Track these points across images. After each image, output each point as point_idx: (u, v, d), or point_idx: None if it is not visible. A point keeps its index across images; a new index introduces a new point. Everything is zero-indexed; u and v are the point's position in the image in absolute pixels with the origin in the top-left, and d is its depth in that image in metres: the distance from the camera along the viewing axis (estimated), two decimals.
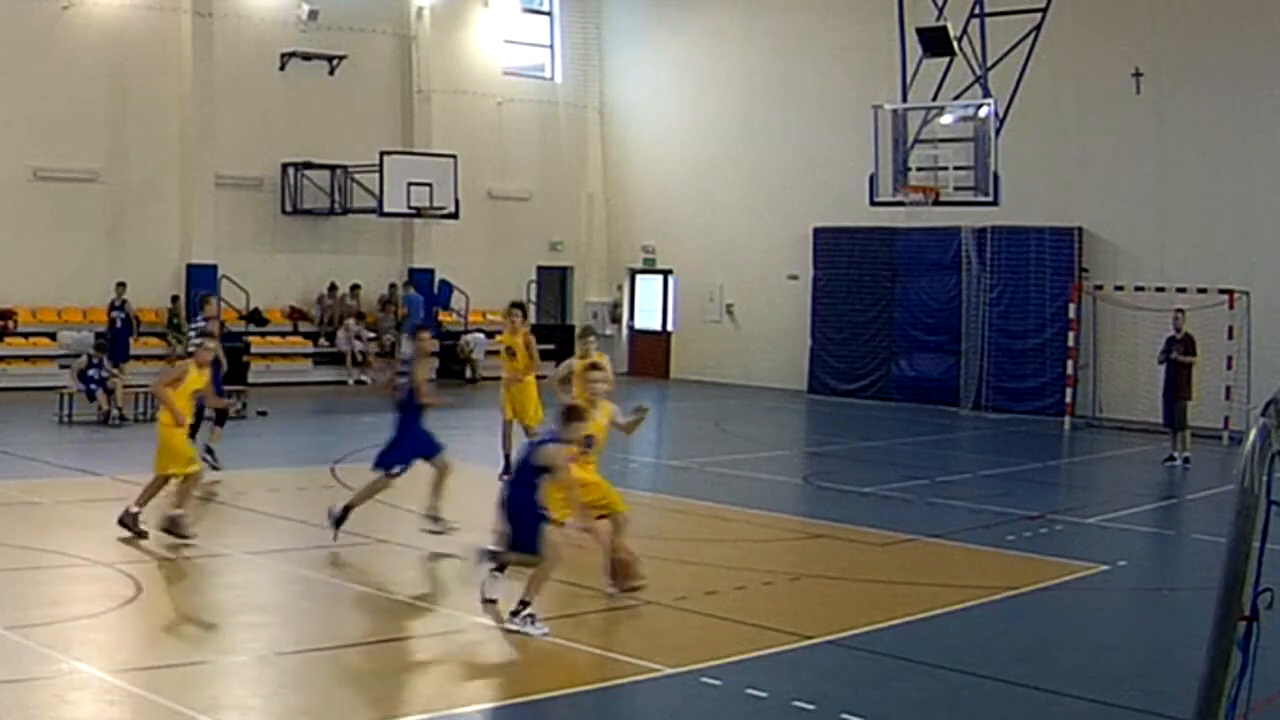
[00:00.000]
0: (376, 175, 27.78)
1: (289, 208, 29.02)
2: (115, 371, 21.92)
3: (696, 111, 32.11)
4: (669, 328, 33.37)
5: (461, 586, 10.51)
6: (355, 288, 29.63)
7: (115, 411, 20.96)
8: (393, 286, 30.10)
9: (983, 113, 21.50)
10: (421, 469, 12.88)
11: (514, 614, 9.37)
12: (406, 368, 13.25)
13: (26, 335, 25.67)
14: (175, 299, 27.21)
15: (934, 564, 12.90)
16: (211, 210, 27.88)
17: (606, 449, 19.16)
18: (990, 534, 14.08)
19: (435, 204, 28.19)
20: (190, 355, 13.01)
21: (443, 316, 31.18)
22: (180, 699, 7.69)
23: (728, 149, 31.32)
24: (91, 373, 21.44)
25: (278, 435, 21.11)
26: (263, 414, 22.64)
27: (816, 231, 29.55)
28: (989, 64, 21.65)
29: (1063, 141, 25.67)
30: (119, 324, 25.29)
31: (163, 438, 12.39)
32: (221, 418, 17.18)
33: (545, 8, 33.83)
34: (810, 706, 8.01)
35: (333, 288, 29.36)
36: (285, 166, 28.81)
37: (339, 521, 12.31)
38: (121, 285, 25.47)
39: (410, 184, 27.87)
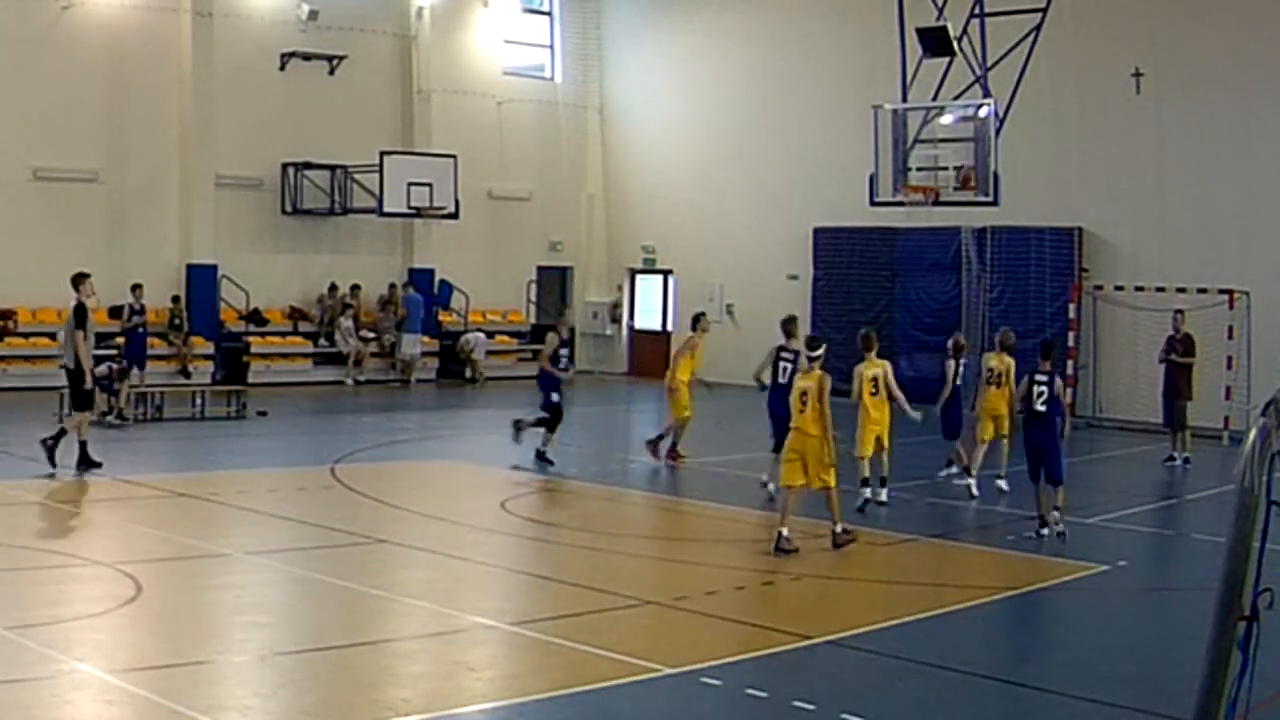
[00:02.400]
0: (376, 175, 27.77)
1: (289, 208, 29.01)
2: (137, 377, 21.73)
3: (696, 111, 32.11)
4: (669, 328, 33.34)
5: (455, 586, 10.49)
6: (355, 288, 29.62)
7: (117, 412, 20.95)
8: (392, 286, 30.11)
9: (983, 113, 21.49)
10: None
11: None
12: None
13: (26, 335, 25.66)
14: (176, 299, 27.18)
15: (934, 564, 12.91)
16: (211, 210, 27.87)
17: (607, 447, 19.22)
18: (990, 534, 14.09)
19: (435, 204, 28.19)
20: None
21: (443, 316, 31.19)
22: (180, 699, 7.69)
23: (728, 149, 31.32)
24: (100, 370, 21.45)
25: (278, 435, 21.11)
26: (262, 414, 22.64)
27: (816, 231, 29.55)
28: (989, 64, 21.65)
29: (1063, 141, 25.66)
30: (141, 329, 24.98)
31: (824, 448, 12.50)
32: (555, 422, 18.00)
33: (545, 8, 33.83)
34: (810, 706, 8.01)
35: (333, 288, 29.36)
36: (285, 166, 28.81)
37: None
38: (138, 287, 25.24)
39: (410, 184, 27.86)
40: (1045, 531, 13.46)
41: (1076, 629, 10.63)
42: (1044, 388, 13.57)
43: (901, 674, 9.03)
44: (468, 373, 30.28)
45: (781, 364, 15.45)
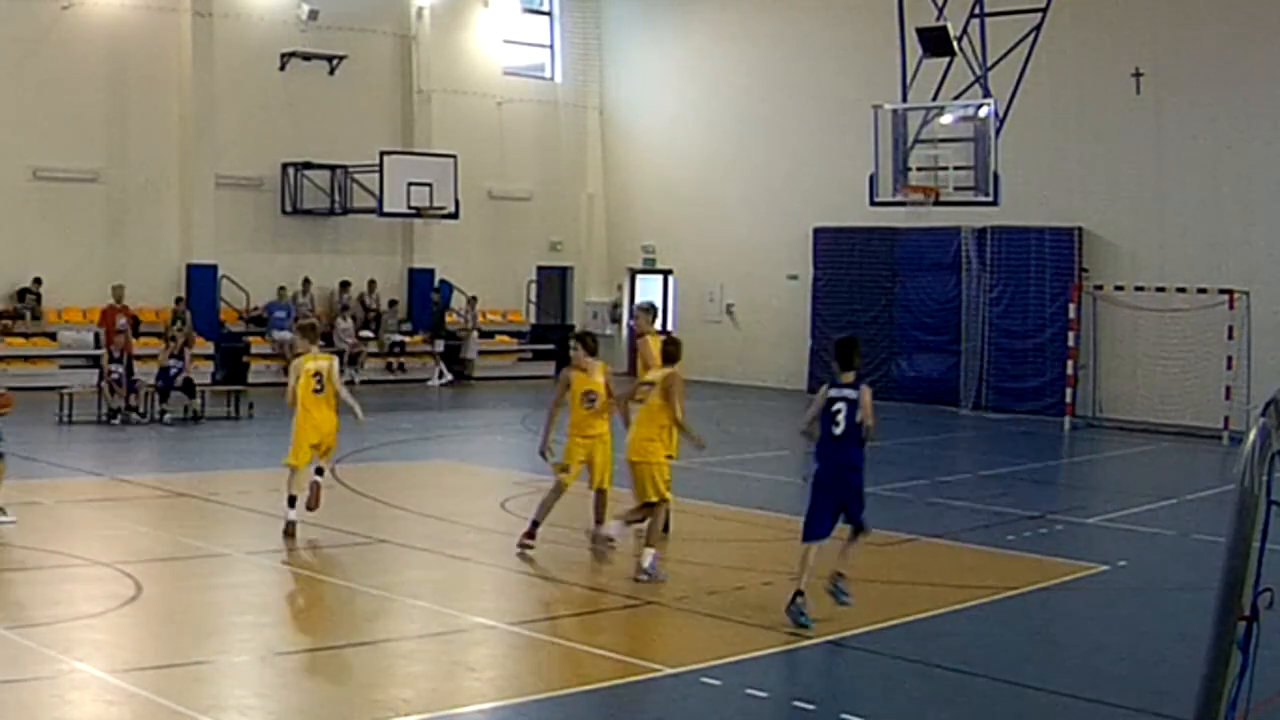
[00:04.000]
0: (376, 175, 27.77)
1: (289, 208, 29.02)
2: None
3: (696, 111, 32.11)
4: (669, 328, 33.34)
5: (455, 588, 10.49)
6: (345, 284, 29.60)
7: (124, 410, 21.07)
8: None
9: (983, 113, 21.50)
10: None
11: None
12: None
13: (27, 335, 25.67)
14: (179, 300, 27.11)
15: (934, 564, 12.90)
16: (211, 210, 27.87)
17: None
18: (990, 534, 14.08)
19: (435, 204, 28.19)
20: None
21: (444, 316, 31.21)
22: (180, 699, 7.69)
23: (727, 148, 31.32)
24: (113, 368, 21.61)
25: (278, 435, 21.04)
26: (250, 406, 22.63)
27: (816, 231, 29.55)
28: (989, 64, 21.65)
29: (1063, 141, 25.66)
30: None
31: None
32: None
33: (545, 8, 33.83)
34: (810, 706, 8.01)
35: (345, 284, 29.50)
36: (285, 166, 28.81)
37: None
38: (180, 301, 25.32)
39: (410, 184, 27.86)
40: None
41: (1076, 629, 10.63)
42: (842, 404, 10.03)
43: (901, 674, 9.03)
44: (466, 373, 30.34)
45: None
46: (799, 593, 9.78)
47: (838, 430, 10.00)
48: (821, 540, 10.02)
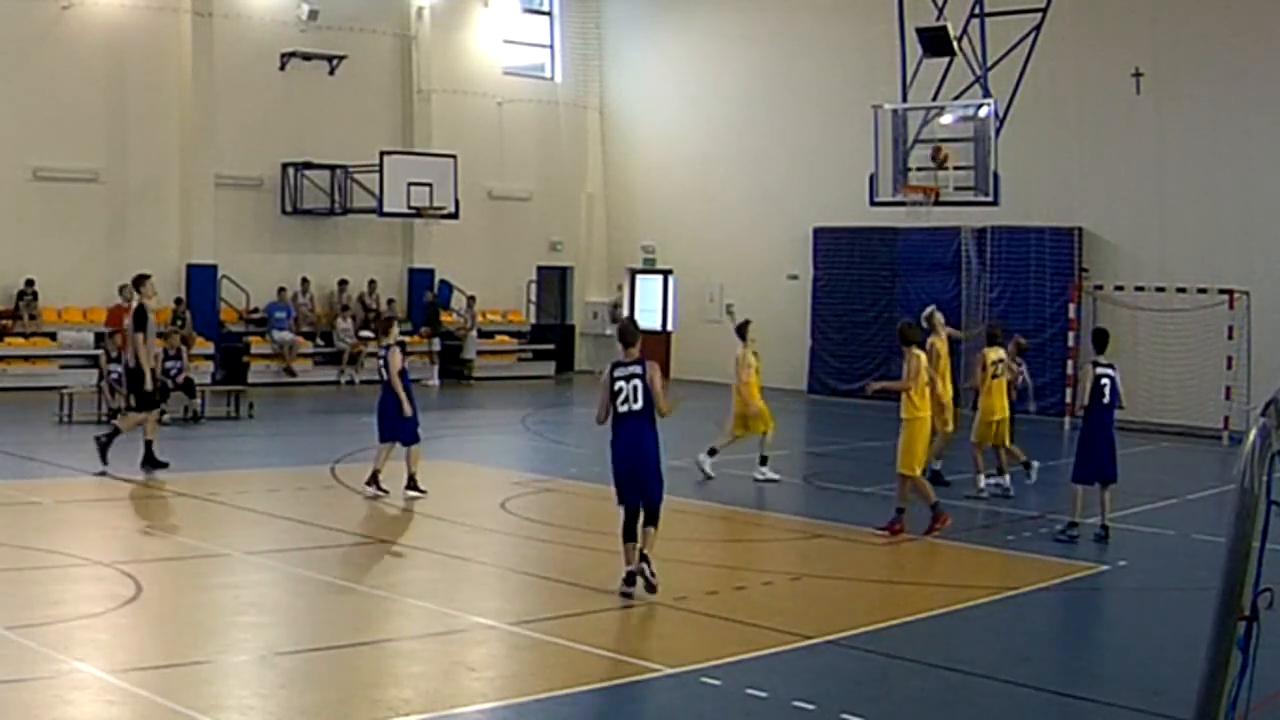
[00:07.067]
0: (376, 175, 27.78)
1: (289, 208, 29.02)
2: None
3: (696, 111, 32.11)
4: (669, 328, 33.35)
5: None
6: (344, 283, 29.61)
7: (124, 410, 21.04)
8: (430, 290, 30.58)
9: (983, 113, 21.49)
10: None
11: None
12: None
13: (27, 335, 25.67)
14: (179, 300, 27.11)
15: (934, 564, 12.91)
16: (211, 210, 27.88)
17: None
18: (990, 534, 14.08)
19: (435, 204, 28.19)
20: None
21: (443, 317, 31.22)
22: (180, 699, 7.69)
23: (728, 149, 31.32)
24: (113, 368, 21.61)
25: (278, 435, 21.10)
26: (250, 406, 22.63)
27: (816, 231, 29.55)
28: (989, 64, 21.65)
29: (1063, 141, 25.67)
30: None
31: None
32: None
33: (545, 8, 33.84)
34: (810, 706, 8.01)
35: (343, 283, 29.49)
36: (285, 166, 28.82)
37: None
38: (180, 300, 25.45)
39: (410, 184, 27.87)
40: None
41: (1076, 629, 10.63)
42: (1107, 380, 13.89)
43: (901, 674, 9.03)
44: (465, 372, 30.37)
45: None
46: (1073, 524, 13.52)
47: (1105, 400, 13.74)
48: (1089, 485, 13.60)
